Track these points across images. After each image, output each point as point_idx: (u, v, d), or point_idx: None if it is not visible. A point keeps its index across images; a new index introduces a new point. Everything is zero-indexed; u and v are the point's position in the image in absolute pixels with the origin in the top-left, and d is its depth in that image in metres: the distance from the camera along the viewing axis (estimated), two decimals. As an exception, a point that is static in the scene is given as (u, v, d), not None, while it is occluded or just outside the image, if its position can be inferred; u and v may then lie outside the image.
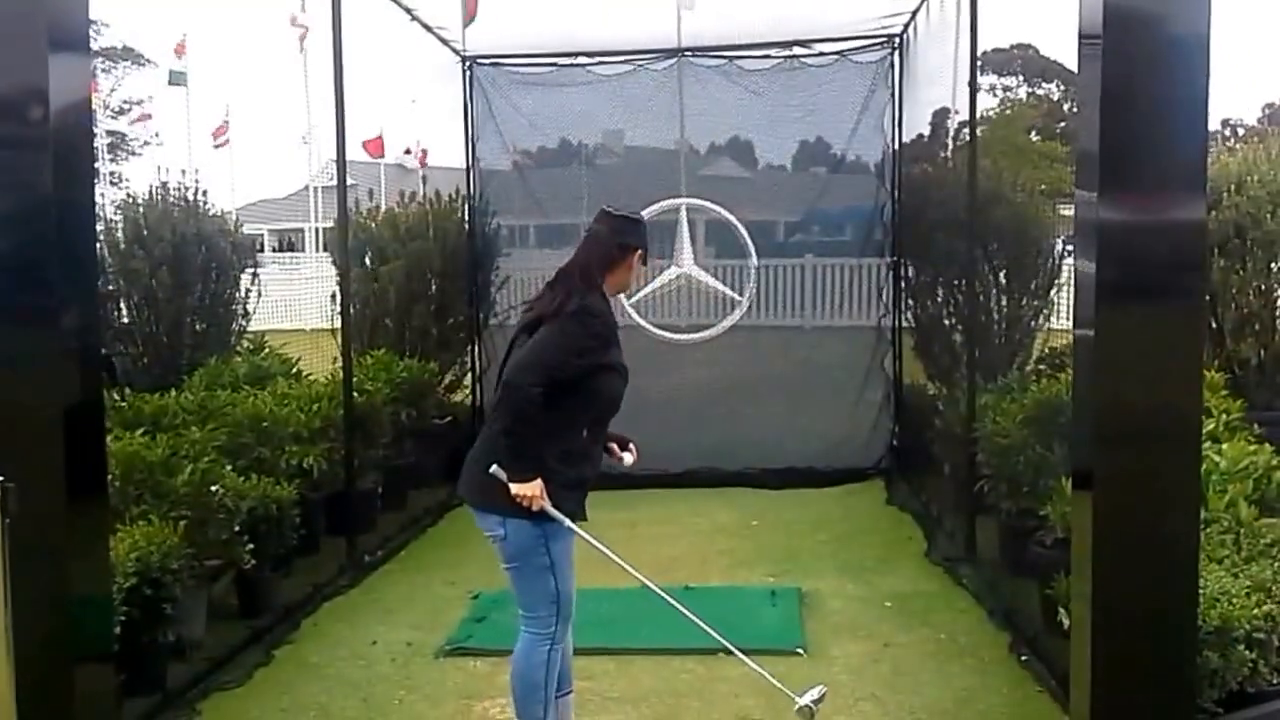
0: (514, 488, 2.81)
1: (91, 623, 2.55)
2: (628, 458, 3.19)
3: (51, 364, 2.41)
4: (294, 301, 16.42)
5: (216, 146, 24.59)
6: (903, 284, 6.74)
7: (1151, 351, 2.45)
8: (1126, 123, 2.37)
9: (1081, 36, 2.48)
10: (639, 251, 3.07)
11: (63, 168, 2.35)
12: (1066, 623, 3.29)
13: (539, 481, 2.81)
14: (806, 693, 3.02)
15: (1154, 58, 2.39)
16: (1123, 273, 2.41)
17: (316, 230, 23.42)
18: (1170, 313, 2.46)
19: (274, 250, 27.94)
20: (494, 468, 2.85)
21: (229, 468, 4.29)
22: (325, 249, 20.12)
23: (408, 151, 23.41)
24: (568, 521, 2.88)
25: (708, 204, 6.72)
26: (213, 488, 4.02)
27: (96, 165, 2.82)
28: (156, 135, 34.44)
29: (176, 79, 23.38)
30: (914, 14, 6.24)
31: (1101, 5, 2.36)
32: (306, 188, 24.52)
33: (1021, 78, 33.20)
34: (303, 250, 25.56)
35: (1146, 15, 2.38)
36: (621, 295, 6.53)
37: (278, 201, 30.89)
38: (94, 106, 2.65)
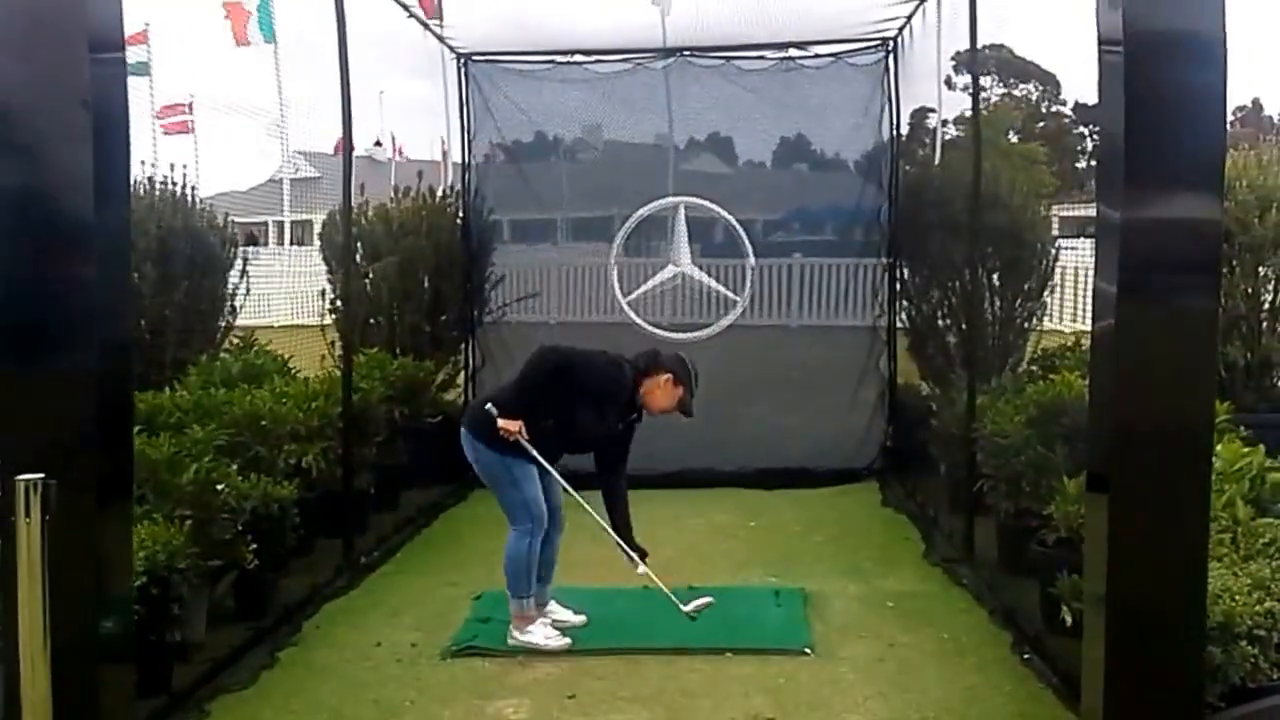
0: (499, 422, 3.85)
1: (117, 623, 2.52)
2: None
3: (87, 364, 2.38)
4: (263, 296, 16.09)
5: (166, 133, 23.93)
6: (898, 285, 6.77)
7: (1169, 352, 2.46)
8: (1146, 124, 2.40)
9: (1101, 42, 2.51)
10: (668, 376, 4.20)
11: (102, 168, 2.33)
12: (1069, 621, 3.36)
13: (520, 421, 3.86)
14: (691, 603, 4.04)
15: (1173, 60, 2.42)
16: (1143, 272, 2.43)
17: (281, 224, 23.00)
18: (1188, 312, 2.48)
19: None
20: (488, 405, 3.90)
21: (233, 467, 4.24)
22: (297, 243, 19.80)
23: (378, 144, 23.05)
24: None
25: (706, 203, 6.72)
26: (217, 487, 3.97)
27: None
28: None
29: (136, 69, 22.68)
30: (909, 18, 6.29)
31: (1121, 11, 2.40)
32: (271, 180, 24.05)
33: (997, 78, 33.44)
34: (265, 245, 25.14)
35: (1165, 19, 2.42)
36: (618, 294, 6.71)
37: (242, 194, 30.26)
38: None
